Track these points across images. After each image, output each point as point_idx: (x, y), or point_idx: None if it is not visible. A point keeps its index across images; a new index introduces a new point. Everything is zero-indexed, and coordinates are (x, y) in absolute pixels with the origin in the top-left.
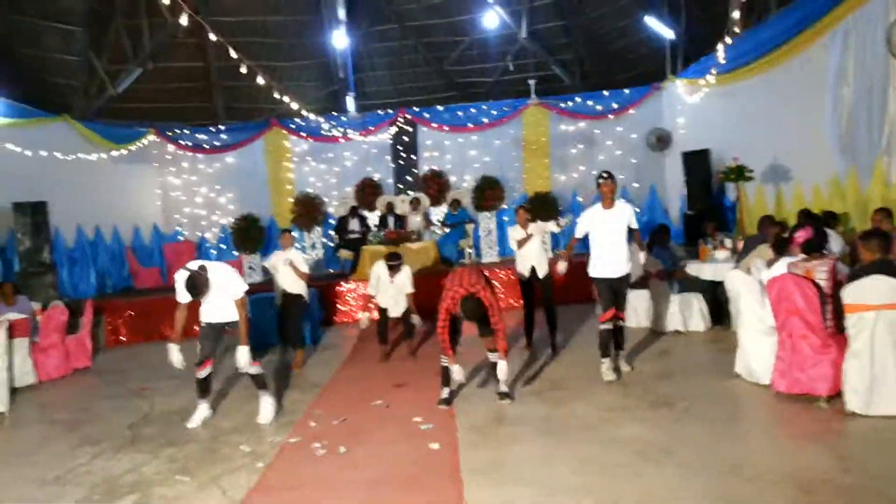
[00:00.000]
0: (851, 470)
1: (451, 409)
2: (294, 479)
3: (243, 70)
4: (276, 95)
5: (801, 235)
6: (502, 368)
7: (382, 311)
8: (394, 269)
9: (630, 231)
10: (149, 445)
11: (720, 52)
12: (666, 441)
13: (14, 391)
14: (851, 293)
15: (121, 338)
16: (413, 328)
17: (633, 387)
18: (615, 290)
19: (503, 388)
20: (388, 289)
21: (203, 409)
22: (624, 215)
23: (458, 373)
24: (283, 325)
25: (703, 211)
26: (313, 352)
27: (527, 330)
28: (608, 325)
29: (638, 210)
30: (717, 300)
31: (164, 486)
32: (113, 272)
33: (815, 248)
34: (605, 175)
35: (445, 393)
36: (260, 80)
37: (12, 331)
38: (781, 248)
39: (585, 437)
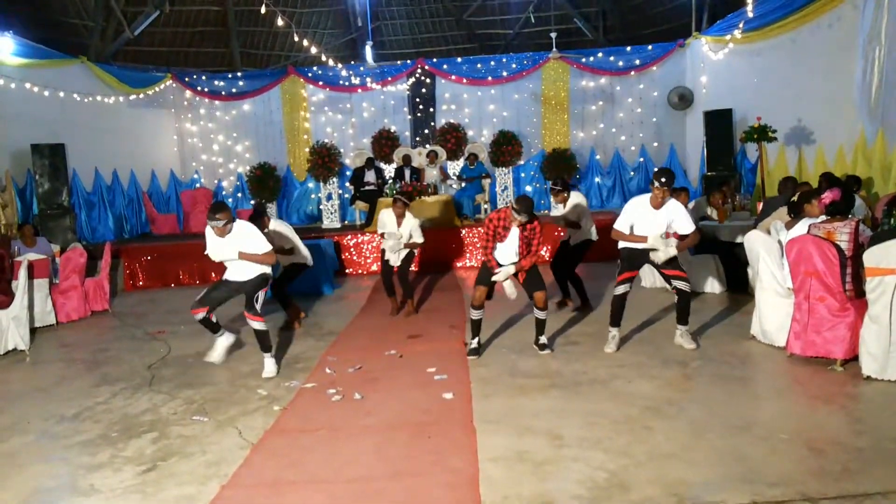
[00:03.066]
0: (864, 433)
1: (465, 360)
2: (309, 423)
3: (262, 10)
4: (296, 39)
5: (827, 196)
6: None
7: (384, 262)
8: (399, 210)
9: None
10: (166, 386)
11: (750, 6)
12: (677, 398)
13: (34, 331)
14: (873, 256)
15: (138, 282)
16: (411, 288)
17: (645, 345)
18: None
19: (543, 339)
20: (391, 236)
21: (222, 340)
22: (674, 216)
23: (509, 287)
24: (283, 289)
25: (724, 172)
26: (326, 303)
27: (562, 287)
28: (623, 289)
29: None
30: (734, 262)
31: (181, 426)
32: (131, 216)
33: (840, 210)
34: (662, 180)
35: (474, 343)
36: (280, 22)
37: (32, 271)
38: (798, 209)
39: (596, 391)
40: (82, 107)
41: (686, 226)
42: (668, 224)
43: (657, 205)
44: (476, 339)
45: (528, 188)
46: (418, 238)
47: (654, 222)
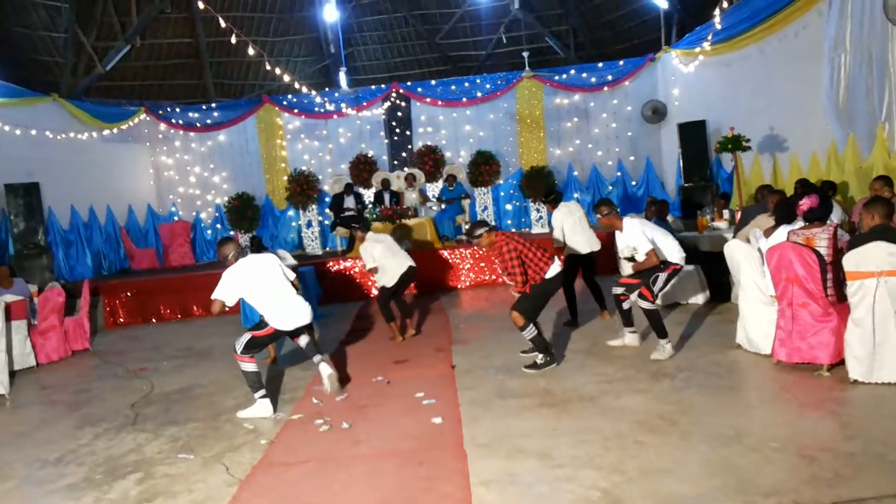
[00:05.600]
0: (853, 437)
1: (454, 384)
2: (297, 455)
3: (233, 41)
4: (268, 67)
5: (805, 203)
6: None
7: None
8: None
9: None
10: (150, 425)
11: (717, 19)
12: (667, 411)
13: (13, 374)
14: (852, 260)
15: (119, 319)
16: (383, 315)
17: (632, 358)
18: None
19: (536, 358)
20: None
21: (321, 368)
22: (633, 237)
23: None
24: None
25: (700, 183)
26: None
27: (571, 307)
28: (616, 290)
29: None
30: (717, 272)
31: (166, 465)
32: (109, 253)
33: (818, 216)
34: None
35: (540, 359)
36: (251, 51)
37: (10, 313)
38: (783, 215)
39: (586, 408)
40: (56, 144)
41: (640, 247)
42: (629, 245)
43: (618, 228)
44: (541, 356)
45: (508, 207)
46: (366, 263)
47: (622, 244)
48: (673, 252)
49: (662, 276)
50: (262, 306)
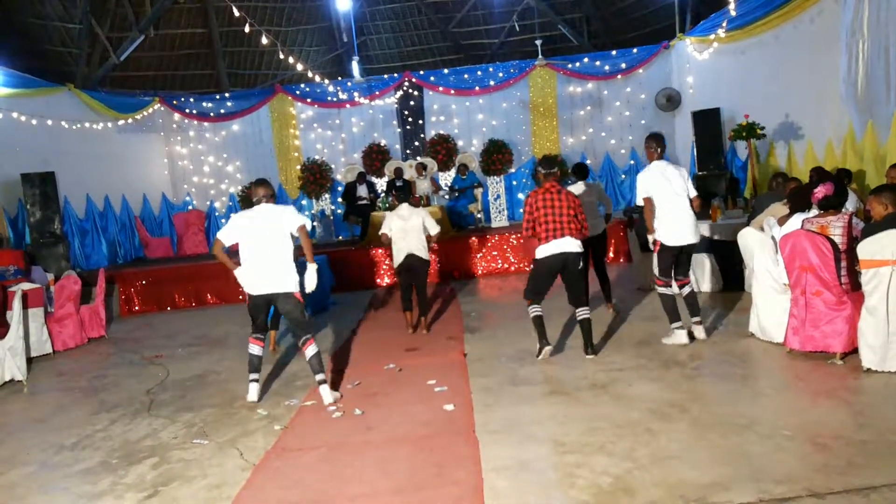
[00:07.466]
0: (866, 426)
1: (466, 371)
2: (310, 441)
3: (246, 30)
4: (281, 57)
5: (820, 191)
6: None
7: None
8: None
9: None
10: (166, 411)
11: (732, 6)
12: (679, 399)
13: (31, 361)
14: (866, 248)
15: (134, 307)
16: (423, 305)
17: (644, 347)
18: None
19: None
20: None
21: (325, 393)
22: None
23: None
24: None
25: (714, 171)
26: (323, 319)
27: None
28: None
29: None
30: (730, 260)
31: (181, 450)
32: (124, 242)
33: (833, 204)
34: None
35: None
36: (264, 41)
37: (27, 301)
38: (798, 203)
39: (597, 396)
40: (71, 134)
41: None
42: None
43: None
44: (542, 342)
45: (521, 195)
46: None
47: None
48: (662, 225)
49: (654, 258)
50: (241, 260)
